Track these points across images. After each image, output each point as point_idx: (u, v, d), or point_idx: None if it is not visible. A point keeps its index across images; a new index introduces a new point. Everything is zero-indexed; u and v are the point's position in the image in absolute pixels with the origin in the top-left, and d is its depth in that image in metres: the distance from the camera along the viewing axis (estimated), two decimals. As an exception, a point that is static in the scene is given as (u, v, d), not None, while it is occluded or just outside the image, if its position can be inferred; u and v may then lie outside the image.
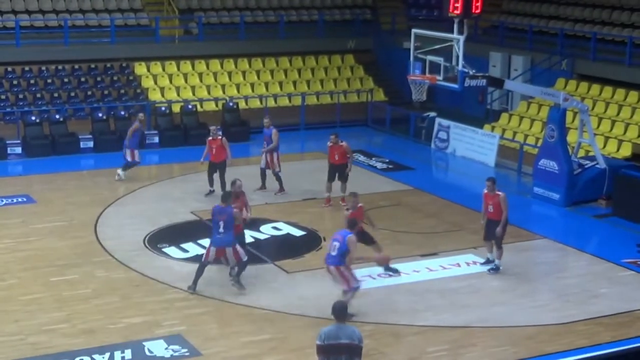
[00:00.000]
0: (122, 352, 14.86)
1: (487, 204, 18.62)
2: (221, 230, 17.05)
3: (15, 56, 31.17)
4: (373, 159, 28.13)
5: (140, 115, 26.28)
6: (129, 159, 25.30)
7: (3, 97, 30.26)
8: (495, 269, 18.81)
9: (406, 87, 28.48)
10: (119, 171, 25.25)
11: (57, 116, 29.36)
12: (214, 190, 23.59)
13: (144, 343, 15.20)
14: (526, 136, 28.50)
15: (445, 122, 30.05)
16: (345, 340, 11.57)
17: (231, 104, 31.62)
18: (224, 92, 33.03)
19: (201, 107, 31.82)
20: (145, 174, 26.81)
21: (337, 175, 23.26)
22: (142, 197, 23.95)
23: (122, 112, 30.01)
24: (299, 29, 36.16)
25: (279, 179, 24.19)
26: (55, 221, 21.73)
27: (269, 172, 24.24)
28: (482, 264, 19.13)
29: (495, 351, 15.40)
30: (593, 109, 28.08)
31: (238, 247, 17.29)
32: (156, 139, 29.56)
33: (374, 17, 38.22)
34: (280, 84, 34.15)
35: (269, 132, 24.13)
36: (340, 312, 11.73)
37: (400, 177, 25.35)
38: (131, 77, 32.47)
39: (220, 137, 23.58)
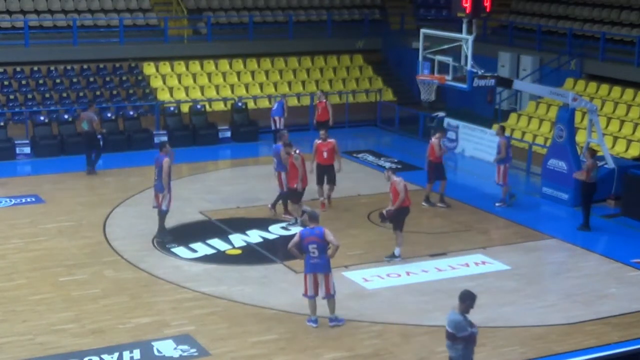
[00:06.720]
0: (131, 352, 14.88)
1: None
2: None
3: (24, 56, 31.23)
4: (382, 159, 28.10)
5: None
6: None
7: (12, 97, 30.32)
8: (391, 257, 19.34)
9: (415, 87, 28.53)
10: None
11: (66, 116, 29.40)
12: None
13: (153, 343, 15.22)
14: (535, 136, 28.45)
15: (454, 122, 30.02)
16: (448, 328, 12.38)
17: (240, 104, 31.62)
18: (232, 92, 33.05)
19: (210, 107, 31.84)
20: (154, 174, 26.81)
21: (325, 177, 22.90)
22: (150, 197, 23.91)
23: (131, 112, 30.05)
24: (307, 29, 36.19)
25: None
26: (64, 221, 21.76)
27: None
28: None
29: (504, 351, 15.38)
30: (602, 108, 28.02)
31: None
32: (165, 139, 29.49)
33: (382, 17, 38.22)
34: (289, 84, 34.16)
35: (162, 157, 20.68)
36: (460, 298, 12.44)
37: (409, 177, 25.25)
38: (140, 77, 32.51)
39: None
